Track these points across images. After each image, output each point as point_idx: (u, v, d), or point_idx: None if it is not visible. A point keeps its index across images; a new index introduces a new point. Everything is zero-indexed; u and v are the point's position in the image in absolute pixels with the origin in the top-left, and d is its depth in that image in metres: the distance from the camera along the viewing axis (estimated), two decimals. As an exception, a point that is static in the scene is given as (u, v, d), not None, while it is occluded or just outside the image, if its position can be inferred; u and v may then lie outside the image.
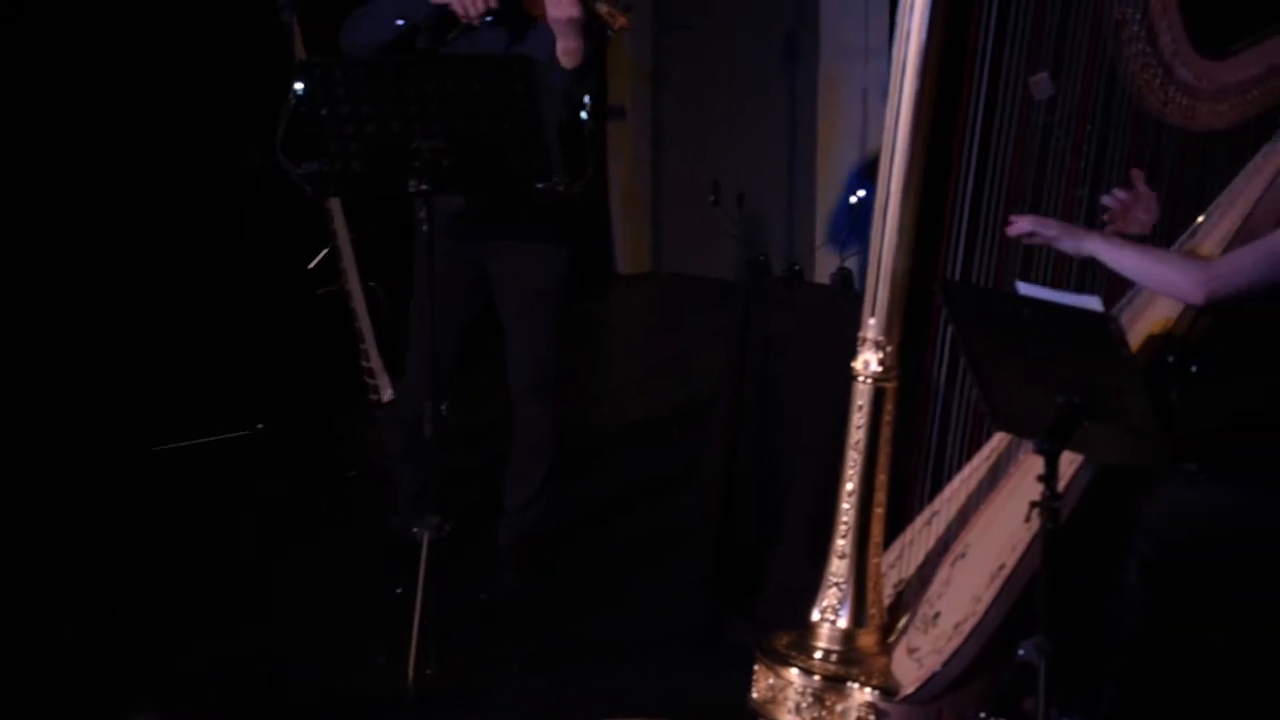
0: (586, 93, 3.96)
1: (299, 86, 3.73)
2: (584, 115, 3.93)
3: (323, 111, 3.58)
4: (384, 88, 3.55)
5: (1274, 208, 3.22)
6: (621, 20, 3.89)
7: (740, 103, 7.46)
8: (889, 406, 3.36)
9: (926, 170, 3.26)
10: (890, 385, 3.36)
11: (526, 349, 4.22)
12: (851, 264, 4.19)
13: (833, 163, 6.67)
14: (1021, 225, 3.23)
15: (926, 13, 3.20)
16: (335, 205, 5.32)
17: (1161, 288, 3.16)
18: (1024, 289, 2.93)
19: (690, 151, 7.72)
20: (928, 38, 3.21)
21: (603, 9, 3.89)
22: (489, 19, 4.01)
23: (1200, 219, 3.36)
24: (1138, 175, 3.38)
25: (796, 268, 4.26)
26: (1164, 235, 3.40)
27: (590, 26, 3.91)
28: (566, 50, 3.94)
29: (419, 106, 3.54)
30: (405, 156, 3.57)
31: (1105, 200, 3.38)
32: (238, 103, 5.48)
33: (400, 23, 4.02)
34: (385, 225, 5.25)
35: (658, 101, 7.84)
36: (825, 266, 4.65)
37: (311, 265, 5.50)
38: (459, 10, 3.99)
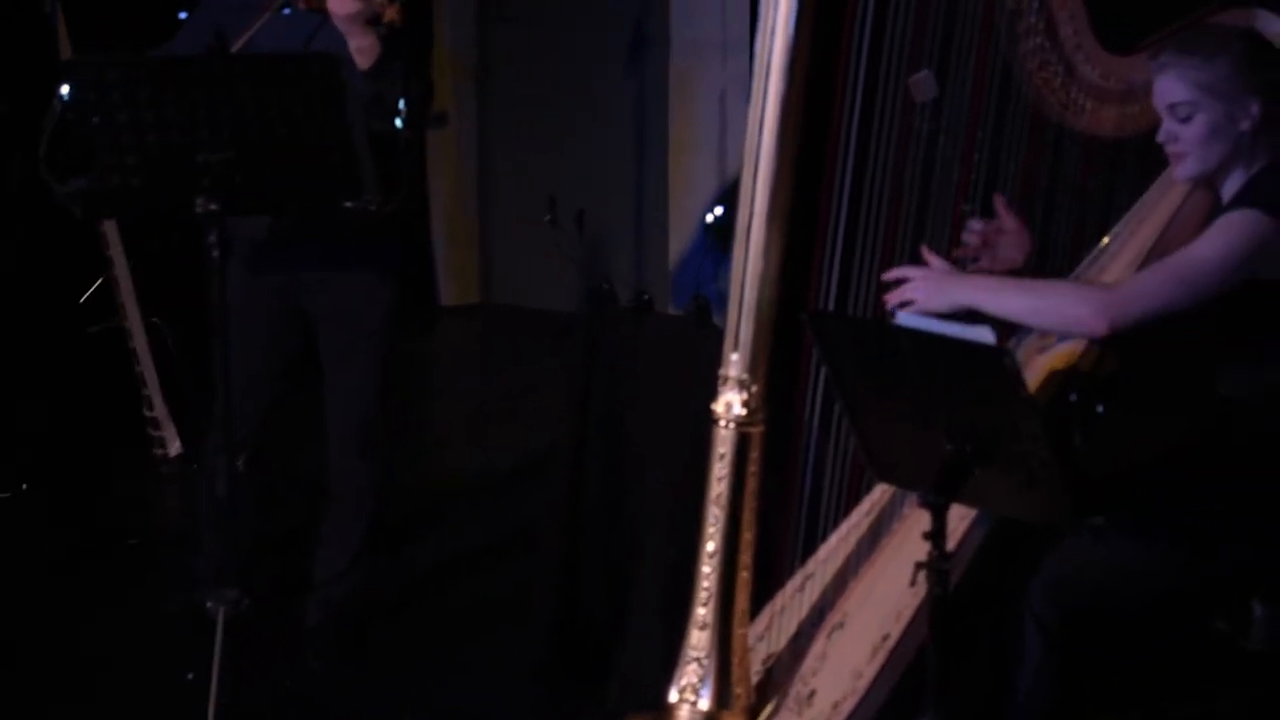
0: (400, 96, 3.97)
1: (65, 90, 3.66)
2: (398, 123, 3.88)
3: (94, 119, 3.53)
4: (165, 91, 3.49)
5: (1191, 224, 3.22)
6: (390, 13, 3.92)
7: (579, 106, 7.49)
8: (754, 454, 3.33)
9: (795, 184, 3.23)
10: (756, 430, 3.33)
11: (351, 395, 4.24)
12: (708, 292, 4.19)
13: (686, 175, 6.71)
14: (893, 276, 3.26)
15: (794, 3, 3.16)
16: (110, 228, 5.27)
17: (1058, 325, 3.18)
18: (905, 319, 2.91)
19: (522, 163, 7.74)
20: (795, 31, 3.18)
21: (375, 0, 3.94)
22: (285, 10, 4.03)
23: (1105, 240, 3.37)
24: (1000, 201, 3.40)
25: (646, 297, 4.28)
26: (1065, 259, 3.41)
27: (379, 21, 3.94)
28: (359, 49, 3.96)
29: (206, 113, 3.49)
30: (191, 171, 3.52)
31: (964, 236, 3.40)
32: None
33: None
34: (171, 250, 5.20)
35: (484, 106, 7.86)
36: (678, 295, 4.64)
37: (84, 299, 5.43)
38: None
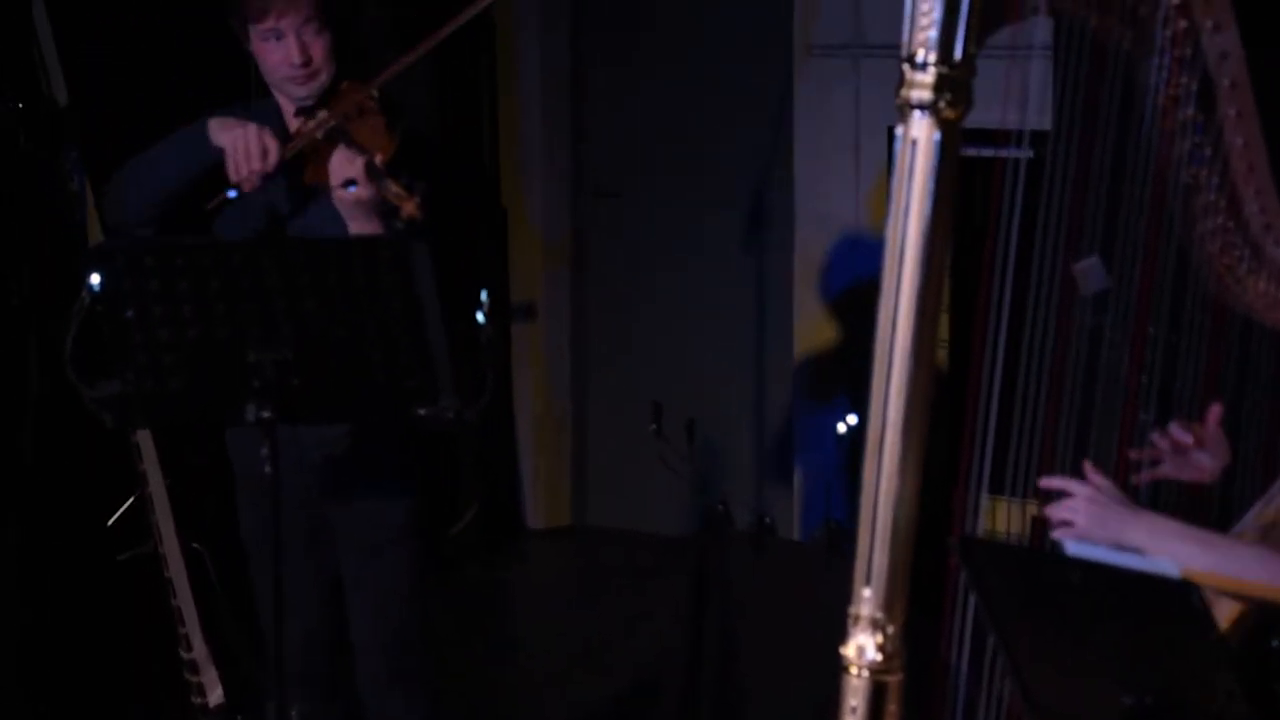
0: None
1: (95, 279, 3.73)
2: (480, 316, 3.95)
3: (128, 313, 3.61)
4: (209, 281, 3.57)
5: None
6: (409, 207, 4.00)
7: (690, 293, 7.52)
8: (892, 707, 3.29)
9: (935, 389, 3.25)
10: (893, 679, 3.30)
11: (374, 620, 4.27)
12: (840, 516, 4.19)
13: (815, 377, 6.71)
14: (1054, 485, 3.23)
15: (931, 179, 3.21)
16: (145, 439, 5.29)
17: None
18: (1073, 548, 2.89)
19: (623, 362, 7.76)
20: (933, 213, 3.21)
21: (390, 188, 4.04)
22: (231, 193, 4.17)
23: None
24: (1215, 413, 3.36)
25: (767, 520, 4.28)
26: (1253, 483, 3.38)
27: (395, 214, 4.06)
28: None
29: (259, 305, 3.57)
30: (240, 373, 3.58)
31: (1154, 436, 3.37)
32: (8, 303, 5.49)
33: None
34: (214, 464, 5.24)
35: (579, 295, 7.89)
36: (805, 519, 4.64)
37: (112, 520, 5.46)
38: (231, 168, 4.15)
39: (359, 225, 4.09)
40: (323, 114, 4.23)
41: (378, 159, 4.09)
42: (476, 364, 3.90)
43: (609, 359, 7.86)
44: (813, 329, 6.78)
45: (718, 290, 7.43)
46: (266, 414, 3.60)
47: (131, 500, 5.36)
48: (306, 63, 4.24)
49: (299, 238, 4.05)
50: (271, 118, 4.31)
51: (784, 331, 7.00)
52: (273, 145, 4.15)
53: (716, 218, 7.39)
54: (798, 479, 6.75)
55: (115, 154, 4.74)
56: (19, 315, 5.51)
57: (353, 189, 4.03)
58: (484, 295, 4.04)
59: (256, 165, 4.14)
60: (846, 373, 6.51)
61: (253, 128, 4.16)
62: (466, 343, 3.94)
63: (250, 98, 4.47)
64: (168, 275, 3.58)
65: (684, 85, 7.44)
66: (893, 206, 3.26)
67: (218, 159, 4.18)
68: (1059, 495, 3.25)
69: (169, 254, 3.63)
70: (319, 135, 4.20)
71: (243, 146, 4.14)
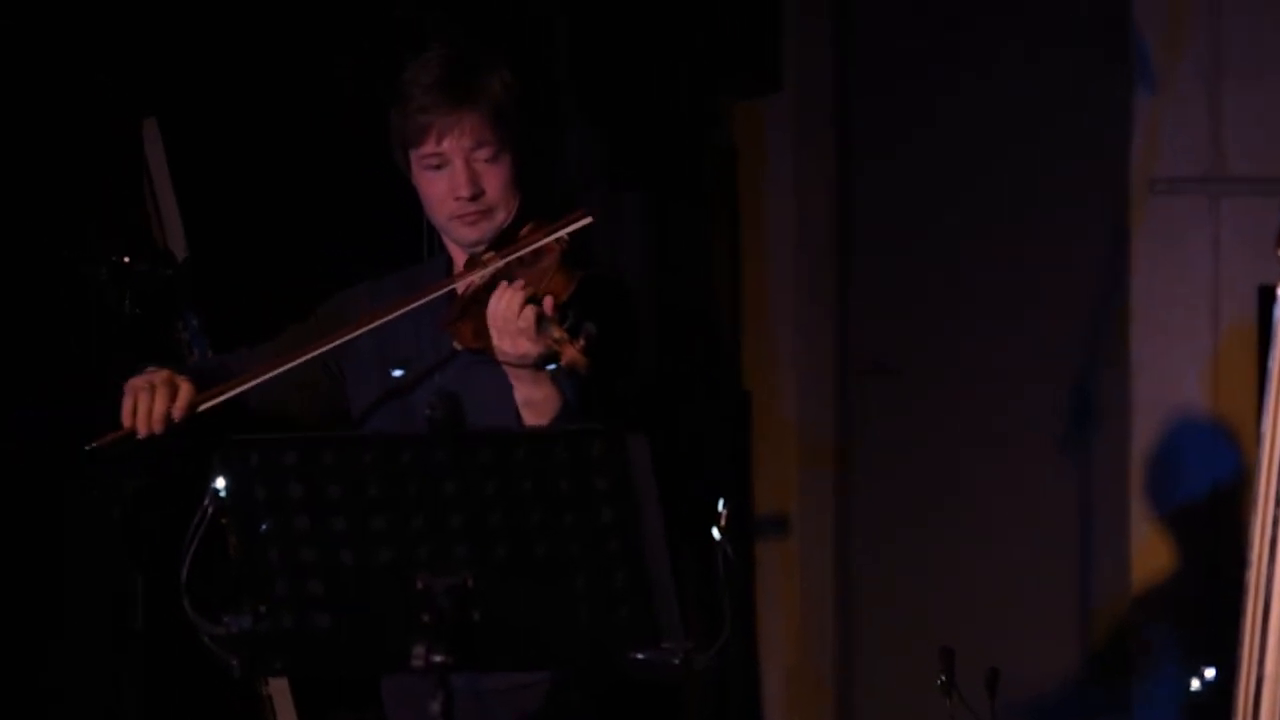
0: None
1: (220, 484, 3.78)
2: (716, 532, 3.95)
3: (262, 527, 3.66)
4: (367, 486, 3.62)
5: None
6: (572, 352, 4.07)
7: (991, 504, 7.52)
8: None
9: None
10: None
11: None
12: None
13: (1158, 610, 6.66)
14: None
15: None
16: (280, 691, 5.35)
17: None
18: None
19: (902, 593, 7.75)
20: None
21: (553, 333, 4.09)
22: (396, 371, 4.34)
23: None
24: None
25: None
26: None
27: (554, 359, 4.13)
28: (528, 401, 4.17)
29: (429, 517, 3.61)
30: (406, 606, 3.61)
31: None
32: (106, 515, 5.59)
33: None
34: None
35: (844, 504, 7.88)
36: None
37: None
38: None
39: (526, 389, 4.17)
40: (489, 255, 4.30)
41: (547, 303, 4.14)
42: (711, 594, 3.89)
43: (883, 589, 7.84)
44: (1154, 551, 6.74)
45: (1027, 499, 7.41)
46: (439, 658, 3.59)
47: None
48: (476, 196, 4.32)
49: (482, 429, 4.08)
50: (437, 275, 4.42)
51: (1116, 553, 6.97)
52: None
53: (1025, 404, 7.37)
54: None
55: (245, 322, 4.83)
56: (120, 531, 5.59)
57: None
58: (721, 504, 4.03)
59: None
60: (1200, 609, 6.42)
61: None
62: (698, 567, 3.94)
63: (424, 251, 4.54)
64: (314, 479, 3.64)
65: (981, 232, 7.45)
66: (1269, 390, 3.23)
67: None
68: None
69: (315, 451, 3.68)
70: (481, 284, 4.26)
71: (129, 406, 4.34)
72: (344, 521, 3.64)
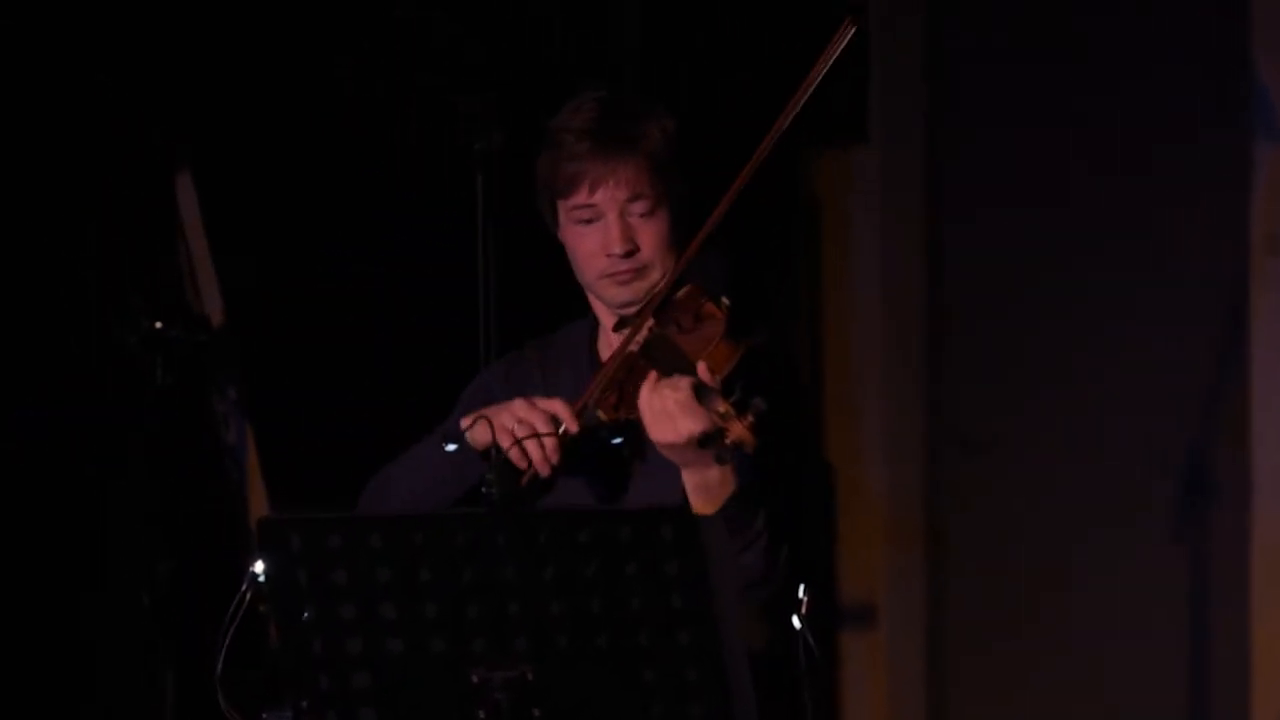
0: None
1: (259, 567, 3.80)
2: (796, 621, 3.94)
3: (304, 614, 3.66)
4: (417, 570, 3.62)
5: None
6: (737, 428, 4.02)
7: (1097, 592, 7.50)
8: None
9: None
10: None
11: None
12: None
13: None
14: None
15: None
16: None
17: None
18: None
19: (1003, 689, 7.72)
20: None
21: (718, 407, 4.04)
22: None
23: None
24: None
25: None
26: None
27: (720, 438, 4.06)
28: (698, 487, 4.13)
29: (486, 604, 3.61)
30: (460, 699, 3.61)
31: None
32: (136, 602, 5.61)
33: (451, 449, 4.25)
34: None
35: (938, 591, 7.86)
36: None
37: None
38: (519, 462, 4.22)
39: (691, 473, 4.13)
40: (650, 324, 4.25)
41: (704, 371, 4.09)
42: (792, 690, 3.88)
43: (982, 685, 7.82)
44: (1274, 642, 6.67)
45: (1137, 588, 7.39)
46: (497, 758, 3.61)
47: None
48: (630, 253, 4.28)
49: (543, 509, 4.06)
50: (581, 342, 4.43)
51: (1236, 649, 6.95)
52: (560, 409, 4.22)
53: (1134, 482, 7.35)
54: None
55: (290, 395, 4.81)
56: (153, 620, 5.59)
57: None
58: (801, 590, 4.02)
59: (554, 457, 4.23)
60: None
61: (517, 404, 4.24)
62: (777, 659, 3.91)
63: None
64: (361, 562, 3.64)
65: (1083, 294, 7.42)
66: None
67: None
68: None
69: (363, 532, 3.68)
70: (635, 350, 4.23)
71: (510, 430, 4.21)
72: (393, 609, 3.63)
